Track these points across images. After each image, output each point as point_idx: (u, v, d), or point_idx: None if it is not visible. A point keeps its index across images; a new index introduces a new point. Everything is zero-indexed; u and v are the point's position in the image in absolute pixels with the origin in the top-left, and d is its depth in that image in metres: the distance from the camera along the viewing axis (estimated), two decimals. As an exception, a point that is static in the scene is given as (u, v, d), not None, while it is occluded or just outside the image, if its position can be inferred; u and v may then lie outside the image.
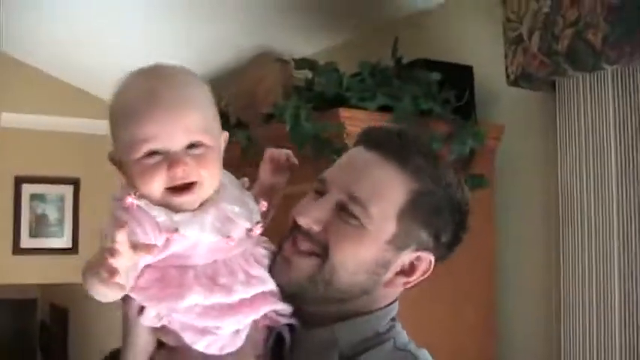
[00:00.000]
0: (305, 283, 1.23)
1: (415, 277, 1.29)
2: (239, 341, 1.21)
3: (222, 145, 1.28)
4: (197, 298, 1.16)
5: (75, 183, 6.21)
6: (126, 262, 1.04)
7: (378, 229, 1.22)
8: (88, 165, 6.07)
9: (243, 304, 1.20)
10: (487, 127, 2.54)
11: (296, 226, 1.26)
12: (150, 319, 1.19)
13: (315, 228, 1.23)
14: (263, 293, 1.23)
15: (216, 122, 1.24)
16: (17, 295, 8.41)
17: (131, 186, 1.20)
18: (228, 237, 1.20)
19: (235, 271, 1.21)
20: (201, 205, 1.21)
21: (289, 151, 1.40)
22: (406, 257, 1.26)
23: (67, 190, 6.25)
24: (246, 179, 1.36)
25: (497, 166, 2.64)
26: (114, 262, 1.02)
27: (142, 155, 1.15)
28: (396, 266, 1.26)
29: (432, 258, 1.28)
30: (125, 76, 1.23)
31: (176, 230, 1.15)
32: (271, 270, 1.27)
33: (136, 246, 1.05)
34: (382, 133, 1.30)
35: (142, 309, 1.19)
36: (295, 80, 2.74)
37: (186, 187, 1.17)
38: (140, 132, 1.14)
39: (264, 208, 1.31)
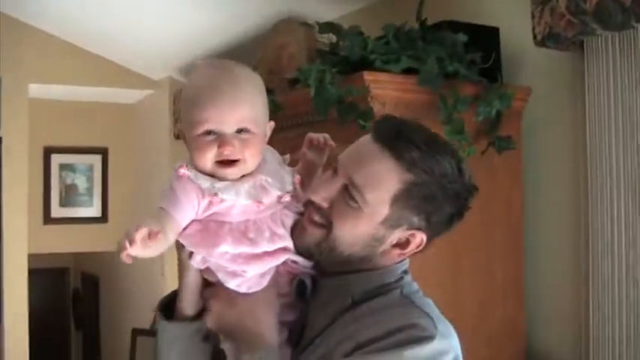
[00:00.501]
0: (312, 248, 1.47)
1: (409, 251, 1.47)
2: (264, 282, 1.47)
3: (268, 132, 1.52)
4: (227, 247, 1.43)
5: (103, 152, 6.26)
6: (138, 250, 1.32)
7: (372, 211, 1.42)
8: (115, 134, 6.11)
9: (265, 254, 1.45)
10: (514, 88, 2.51)
11: (310, 200, 1.48)
12: (197, 262, 1.47)
13: (324, 205, 1.45)
14: (283, 248, 1.47)
15: (264, 114, 1.49)
16: (50, 264, 8.52)
17: (190, 157, 1.47)
18: (260, 202, 1.44)
19: (262, 229, 1.46)
20: (243, 176, 1.46)
21: (327, 135, 1.61)
22: (401, 234, 1.45)
23: (96, 160, 6.30)
24: (287, 156, 1.59)
25: (525, 128, 2.62)
26: (128, 247, 1.30)
27: (200, 133, 1.42)
28: (391, 240, 1.45)
29: (424, 236, 1.46)
30: (198, 64, 1.52)
31: (215, 195, 1.42)
32: (292, 230, 1.50)
33: (150, 234, 1.34)
34: (387, 127, 1.45)
35: (191, 254, 1.47)
36: (319, 45, 2.73)
37: (231, 163, 1.43)
38: (201, 115, 1.41)
39: (297, 182, 1.53)
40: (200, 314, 1.52)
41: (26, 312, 5.49)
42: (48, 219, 6.19)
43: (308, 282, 1.51)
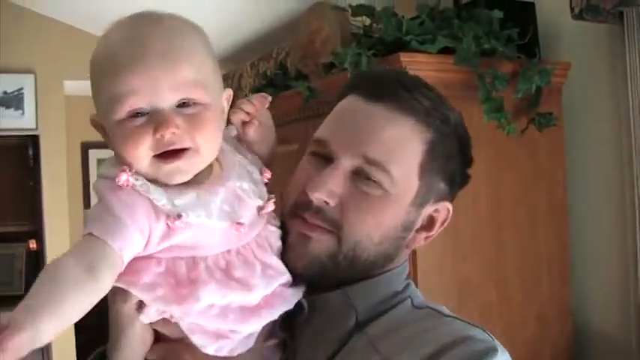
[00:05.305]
0: (326, 261, 1.11)
1: (436, 230, 1.20)
2: (251, 342, 1.07)
3: (226, 105, 1.11)
4: (213, 296, 1.01)
5: (140, 146, 6.31)
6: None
7: (401, 191, 1.11)
8: (151, 127, 6.16)
9: (262, 305, 1.06)
10: (553, 64, 2.47)
11: (302, 203, 1.13)
12: (150, 315, 1.03)
13: (331, 203, 1.10)
14: (281, 287, 1.09)
15: (215, 77, 1.06)
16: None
17: (118, 157, 1.02)
18: (239, 223, 1.04)
19: (250, 261, 1.06)
20: (203, 180, 1.05)
21: (255, 96, 1.20)
22: (427, 211, 1.18)
23: (133, 154, 6.35)
24: (233, 126, 1.20)
25: (566, 104, 2.57)
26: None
27: (124, 116, 0.98)
28: (417, 224, 1.18)
29: (450, 206, 1.20)
30: (111, 23, 1.07)
31: (178, 217, 0.98)
32: (284, 253, 1.13)
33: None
34: (381, 80, 1.17)
35: (141, 305, 1.02)
36: (353, 28, 2.71)
37: (177, 153, 0.99)
38: (120, 87, 0.96)
39: (266, 179, 1.16)
40: None
41: (71, 307, 5.55)
42: (88, 214, 6.25)
43: (304, 303, 1.13)
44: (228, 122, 1.16)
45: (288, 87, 2.91)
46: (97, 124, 1.06)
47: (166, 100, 0.97)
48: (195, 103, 1.00)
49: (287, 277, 1.10)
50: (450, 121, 1.15)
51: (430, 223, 1.19)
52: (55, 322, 0.85)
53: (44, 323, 0.83)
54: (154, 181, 1.00)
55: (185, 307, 0.99)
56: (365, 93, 1.14)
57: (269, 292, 1.06)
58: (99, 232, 0.95)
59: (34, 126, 5.31)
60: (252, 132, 1.19)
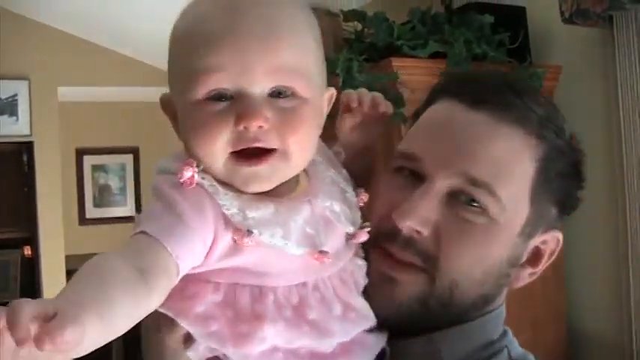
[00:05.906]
0: (415, 306, 0.93)
1: (542, 264, 1.00)
2: None
3: (325, 106, 0.92)
4: (278, 339, 0.82)
5: (134, 152, 6.30)
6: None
7: (510, 218, 0.92)
8: (146, 133, 6.16)
9: (338, 353, 0.87)
10: (544, 67, 2.48)
11: (388, 233, 0.94)
12: (201, 351, 0.84)
13: (424, 232, 0.92)
14: (363, 334, 0.90)
15: (320, 67, 0.88)
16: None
17: (188, 151, 0.85)
18: (322, 253, 0.84)
19: (329, 300, 0.86)
20: (285, 194, 0.86)
21: (378, 94, 1.02)
22: (532, 243, 0.99)
23: (128, 160, 6.35)
24: (341, 149, 1.01)
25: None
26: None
27: (202, 96, 0.80)
28: (522, 258, 0.99)
29: (560, 236, 1.01)
30: None
31: (249, 233, 0.79)
32: (364, 292, 0.94)
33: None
34: (485, 83, 1.00)
35: (188, 338, 0.83)
36: (345, 33, 2.71)
37: (261, 155, 0.81)
38: (205, 60, 0.79)
39: (362, 203, 0.96)
40: None
41: (66, 313, 5.55)
42: (83, 220, 6.25)
43: (387, 350, 0.94)
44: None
45: (282, 92, 2.92)
46: (166, 104, 0.89)
47: (258, 84, 0.79)
48: (292, 94, 0.82)
49: (371, 321, 0.91)
50: (565, 134, 0.97)
51: (536, 257, 1.00)
52: (100, 327, 0.63)
53: (90, 325, 0.61)
54: (223, 183, 0.82)
55: (244, 348, 0.81)
56: (465, 98, 0.96)
57: (347, 339, 0.87)
58: (155, 231, 0.78)
59: (28, 132, 5.31)
60: (347, 124, 1.01)
